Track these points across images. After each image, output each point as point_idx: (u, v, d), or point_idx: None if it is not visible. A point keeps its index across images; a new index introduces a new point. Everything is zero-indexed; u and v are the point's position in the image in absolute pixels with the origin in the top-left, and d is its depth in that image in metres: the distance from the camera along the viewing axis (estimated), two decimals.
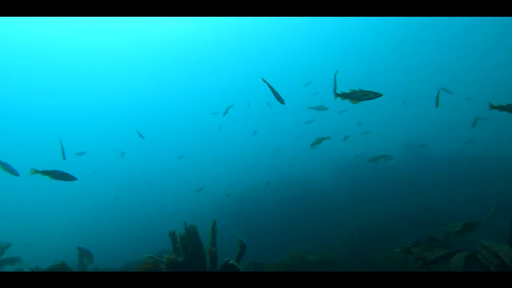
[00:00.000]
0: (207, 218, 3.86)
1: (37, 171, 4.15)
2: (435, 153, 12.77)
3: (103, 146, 33.75)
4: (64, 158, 5.11)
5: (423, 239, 3.65)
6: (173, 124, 44.42)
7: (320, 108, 9.13)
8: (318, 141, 6.55)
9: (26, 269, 5.00)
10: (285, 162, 16.98)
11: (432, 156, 12.58)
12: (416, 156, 12.47)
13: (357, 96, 4.01)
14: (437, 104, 7.19)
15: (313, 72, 32.49)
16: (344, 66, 31.66)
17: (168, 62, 37.02)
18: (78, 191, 24.21)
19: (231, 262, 3.08)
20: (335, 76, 5.49)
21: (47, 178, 4.30)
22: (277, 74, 38.94)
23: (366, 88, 4.13)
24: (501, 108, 4.44)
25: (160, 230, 12.05)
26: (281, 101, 4.50)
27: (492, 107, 4.57)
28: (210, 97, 42.70)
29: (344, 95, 4.11)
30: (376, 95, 3.89)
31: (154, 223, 13.09)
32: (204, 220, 3.95)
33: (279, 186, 12.38)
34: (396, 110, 28.29)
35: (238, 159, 24.97)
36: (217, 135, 35.27)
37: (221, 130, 20.70)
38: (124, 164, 25.39)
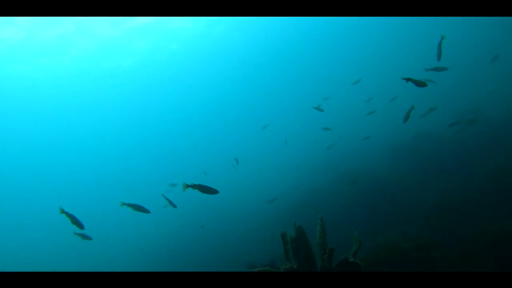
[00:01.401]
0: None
1: (188, 186, 4.24)
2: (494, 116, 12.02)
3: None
4: (175, 207, 5.64)
5: None
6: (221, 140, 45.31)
7: (439, 69, 7.67)
8: (407, 115, 6.68)
9: None
10: (341, 158, 16.90)
11: (495, 119, 11.86)
12: (479, 123, 11.83)
13: None
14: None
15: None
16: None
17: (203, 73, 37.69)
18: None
19: (351, 259, 3.05)
20: (440, 42, 5.43)
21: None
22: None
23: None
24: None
25: (241, 245, 12.69)
26: (423, 84, 4.86)
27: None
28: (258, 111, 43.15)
29: None
30: None
31: (233, 237, 13.68)
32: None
33: (341, 182, 12.46)
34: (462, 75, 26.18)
35: (291, 163, 25.12)
36: (264, 144, 35.70)
37: (287, 143, 20.51)
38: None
